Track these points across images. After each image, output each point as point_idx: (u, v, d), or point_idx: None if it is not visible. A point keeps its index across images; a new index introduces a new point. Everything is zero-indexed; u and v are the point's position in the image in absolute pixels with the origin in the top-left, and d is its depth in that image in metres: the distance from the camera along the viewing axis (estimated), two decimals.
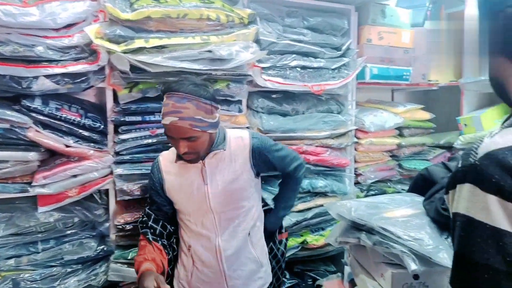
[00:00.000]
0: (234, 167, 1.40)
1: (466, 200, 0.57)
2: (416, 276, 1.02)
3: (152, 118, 1.73)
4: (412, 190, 1.51)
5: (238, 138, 1.44)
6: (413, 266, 0.95)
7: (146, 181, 1.65)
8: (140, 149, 1.73)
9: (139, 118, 1.71)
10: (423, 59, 2.51)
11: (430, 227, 1.05)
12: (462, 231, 0.57)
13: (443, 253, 0.94)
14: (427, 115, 2.54)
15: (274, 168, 1.52)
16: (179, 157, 1.37)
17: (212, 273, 1.40)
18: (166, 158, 1.46)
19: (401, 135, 2.48)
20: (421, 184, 1.43)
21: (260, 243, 1.51)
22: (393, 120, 2.35)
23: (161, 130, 1.74)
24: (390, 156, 2.47)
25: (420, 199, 1.31)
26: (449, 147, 2.65)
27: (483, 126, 2.31)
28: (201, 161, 1.36)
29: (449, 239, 1.02)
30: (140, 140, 1.73)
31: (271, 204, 1.77)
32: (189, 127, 1.24)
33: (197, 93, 1.26)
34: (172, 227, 1.50)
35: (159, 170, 1.44)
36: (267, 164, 1.47)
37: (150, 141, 1.73)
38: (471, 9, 2.36)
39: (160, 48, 1.65)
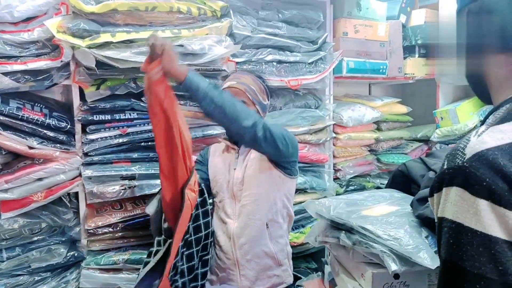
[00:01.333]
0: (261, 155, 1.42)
1: (454, 205, 0.53)
2: (396, 276, 0.99)
3: (122, 116, 1.65)
4: (390, 186, 1.49)
5: None
6: (393, 266, 0.92)
7: (117, 182, 1.58)
8: (110, 149, 1.65)
9: (108, 117, 1.63)
10: (398, 52, 2.50)
11: (410, 225, 1.02)
12: (450, 238, 0.54)
13: (424, 252, 0.91)
14: (404, 109, 2.55)
15: None
16: (226, 135, 1.54)
17: (227, 259, 1.44)
18: (217, 146, 1.59)
19: (379, 129, 2.48)
20: (400, 180, 1.41)
21: (281, 241, 1.48)
22: (371, 114, 2.34)
23: (133, 129, 1.66)
24: (369, 150, 2.46)
25: (399, 194, 1.29)
26: (426, 140, 2.67)
27: (459, 119, 2.34)
28: (237, 147, 1.46)
29: (429, 238, 1.00)
30: (110, 140, 1.64)
31: None
32: (244, 90, 1.39)
33: (256, 76, 1.51)
34: None
35: (208, 152, 1.58)
36: None
37: (120, 140, 1.65)
38: (446, 1, 2.36)
39: (128, 43, 1.57)
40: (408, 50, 2.60)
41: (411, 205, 1.15)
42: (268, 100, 1.52)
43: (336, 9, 2.25)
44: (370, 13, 2.34)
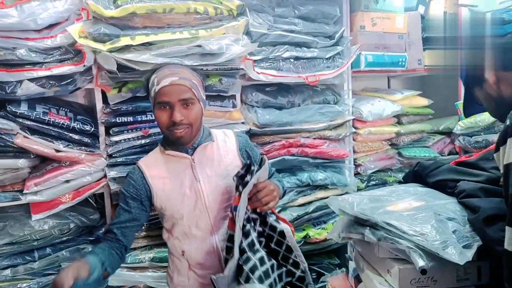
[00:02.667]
0: (226, 162, 1.33)
1: None
2: (424, 271, 0.98)
3: (144, 117, 1.68)
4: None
5: (222, 134, 1.40)
6: (420, 262, 0.91)
7: None
8: (133, 150, 1.68)
9: (130, 119, 1.66)
10: (418, 44, 2.45)
11: (436, 220, 1.01)
12: None
13: (451, 248, 0.90)
14: (425, 101, 2.50)
15: None
16: (166, 147, 1.29)
17: (214, 274, 1.27)
18: (147, 162, 1.31)
19: (399, 123, 2.44)
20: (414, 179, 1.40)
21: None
22: (391, 108, 2.31)
23: (154, 130, 1.69)
24: (389, 144, 2.43)
25: (423, 189, 1.27)
26: (448, 133, 2.62)
27: None
28: (190, 156, 1.27)
29: (457, 233, 0.98)
30: (133, 141, 1.68)
31: None
32: (189, 86, 1.21)
33: (189, 67, 1.36)
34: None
35: (143, 177, 1.27)
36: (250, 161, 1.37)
37: (143, 141, 1.68)
38: None
39: (147, 45, 1.59)
40: (428, 42, 2.54)
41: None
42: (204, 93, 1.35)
43: (353, 3, 2.22)
44: (387, 5, 2.30)
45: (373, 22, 2.26)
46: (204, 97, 1.32)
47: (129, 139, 1.66)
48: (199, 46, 1.62)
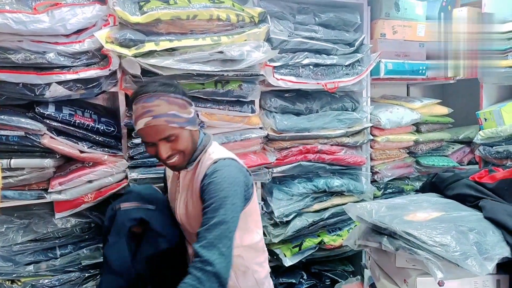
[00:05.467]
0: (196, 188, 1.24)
1: None
2: (441, 283, 0.98)
3: None
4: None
5: (210, 156, 1.27)
6: (439, 274, 0.91)
7: (160, 184, 1.64)
8: None
9: None
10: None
11: (456, 231, 1.00)
12: None
13: (472, 259, 0.89)
14: (445, 110, 2.47)
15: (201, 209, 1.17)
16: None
17: None
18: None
19: (418, 131, 2.42)
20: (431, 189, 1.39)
21: (248, 276, 1.30)
22: (410, 116, 2.29)
23: None
24: (407, 152, 2.41)
25: (444, 199, 1.26)
26: (468, 142, 2.58)
27: (504, 120, 2.24)
28: (177, 172, 1.31)
29: (478, 245, 0.97)
30: None
31: (277, 212, 1.79)
32: (165, 123, 1.15)
33: (165, 90, 1.18)
34: None
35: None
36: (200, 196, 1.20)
37: None
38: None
39: (170, 51, 1.63)
40: None
41: None
42: (191, 106, 1.27)
43: (373, 11, 2.23)
44: (408, 13, 2.30)
45: (394, 30, 2.25)
46: (191, 115, 1.24)
47: None
48: (221, 52, 1.65)
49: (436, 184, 1.36)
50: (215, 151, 1.29)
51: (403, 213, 1.14)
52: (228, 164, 1.21)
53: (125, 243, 1.34)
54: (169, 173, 1.50)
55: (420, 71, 2.32)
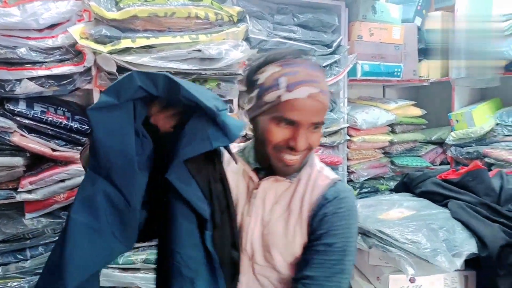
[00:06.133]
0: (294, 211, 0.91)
1: None
2: (412, 280, 1.00)
3: None
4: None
5: (322, 173, 0.94)
6: (410, 271, 0.93)
7: None
8: None
9: None
10: (413, 55, 2.50)
11: (427, 229, 1.03)
12: None
13: (441, 256, 0.92)
14: (418, 111, 2.54)
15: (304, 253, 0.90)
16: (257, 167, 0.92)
17: None
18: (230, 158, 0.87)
19: (393, 131, 2.48)
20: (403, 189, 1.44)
21: None
22: (385, 117, 2.34)
23: None
24: (383, 153, 2.46)
25: (415, 198, 1.30)
26: (440, 143, 2.66)
27: (474, 121, 2.32)
28: (258, 178, 0.93)
29: (447, 242, 1.01)
30: None
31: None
32: (327, 105, 0.85)
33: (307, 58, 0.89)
34: None
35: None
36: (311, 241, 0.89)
37: None
38: (462, 4, 2.35)
39: (147, 48, 1.61)
40: (424, 53, 2.59)
41: None
42: None
43: (351, 13, 2.26)
44: (385, 16, 2.35)
45: (370, 32, 2.29)
46: None
47: None
48: (199, 50, 1.64)
49: (407, 184, 1.40)
50: (323, 166, 0.99)
51: (376, 212, 1.17)
52: (350, 193, 0.93)
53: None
54: (231, 171, 0.93)
55: (395, 73, 2.38)
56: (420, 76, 2.56)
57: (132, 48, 1.56)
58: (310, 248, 0.86)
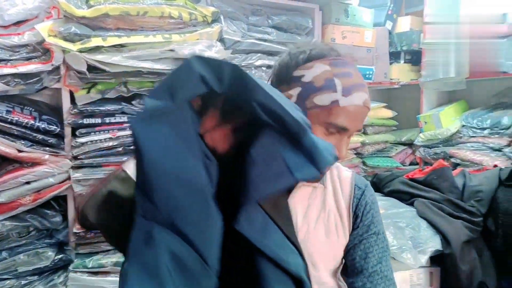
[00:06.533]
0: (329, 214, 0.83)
1: None
2: None
3: (112, 120, 1.66)
4: None
5: (340, 168, 0.90)
6: None
7: None
8: (100, 153, 1.65)
9: (98, 120, 1.63)
10: (384, 58, 2.57)
11: (394, 227, 1.06)
12: None
13: (407, 253, 0.95)
14: (389, 113, 2.60)
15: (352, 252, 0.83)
16: None
17: None
18: None
19: (365, 133, 2.53)
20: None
21: None
22: None
23: (123, 133, 1.67)
24: (355, 153, 2.51)
25: (381, 197, 1.33)
26: (410, 144, 2.74)
27: (442, 123, 2.40)
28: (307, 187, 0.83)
29: (413, 239, 1.04)
30: (100, 143, 1.64)
31: None
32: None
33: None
34: None
35: None
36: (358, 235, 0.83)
37: (111, 144, 1.65)
38: (430, 9, 2.43)
39: (119, 47, 1.58)
40: (394, 56, 2.66)
41: None
42: None
43: (324, 16, 2.30)
44: (357, 19, 2.40)
45: (343, 35, 2.34)
46: None
47: (96, 141, 1.63)
48: (172, 50, 1.63)
49: (376, 184, 1.44)
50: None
51: None
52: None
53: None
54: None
55: (367, 76, 2.43)
56: (391, 79, 2.63)
57: (103, 46, 1.53)
58: (361, 243, 0.81)
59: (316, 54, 0.76)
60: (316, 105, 0.73)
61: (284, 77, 0.77)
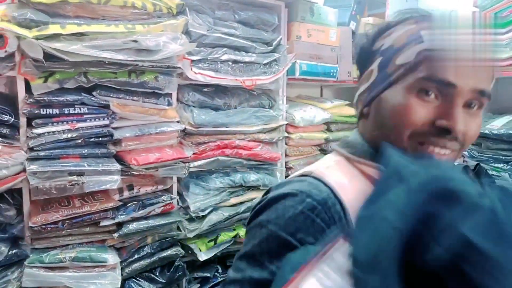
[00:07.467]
0: None
1: None
2: None
3: (71, 111, 1.61)
4: None
5: None
6: None
7: (64, 178, 1.53)
8: (58, 145, 1.60)
9: (56, 111, 1.58)
10: (348, 57, 2.63)
11: None
12: None
13: None
14: (352, 111, 2.67)
15: None
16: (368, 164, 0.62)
17: None
18: (337, 174, 0.61)
19: (328, 129, 2.59)
20: None
21: None
22: (321, 116, 2.44)
23: (83, 124, 1.62)
24: (319, 150, 2.56)
25: None
26: None
27: None
28: None
29: None
30: (58, 135, 1.59)
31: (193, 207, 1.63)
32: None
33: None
34: None
35: (336, 200, 0.57)
36: None
37: (69, 135, 1.60)
38: (391, 11, 2.52)
39: (79, 36, 1.53)
40: None
41: None
42: None
43: (291, 13, 2.33)
44: (322, 18, 2.45)
45: (308, 33, 2.38)
46: None
47: (53, 132, 1.58)
48: (135, 41, 1.59)
49: None
50: None
51: None
52: None
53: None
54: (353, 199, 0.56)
55: (331, 74, 2.49)
56: (354, 78, 2.70)
57: (61, 34, 1.48)
58: None
59: (396, 20, 0.63)
60: (400, 65, 0.57)
61: (363, 56, 0.65)
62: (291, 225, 0.53)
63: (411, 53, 0.56)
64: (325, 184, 0.57)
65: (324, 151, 2.59)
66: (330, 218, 0.54)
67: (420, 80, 0.54)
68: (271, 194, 0.60)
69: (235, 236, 2.09)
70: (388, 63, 0.59)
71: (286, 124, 2.35)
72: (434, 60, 0.53)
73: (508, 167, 1.86)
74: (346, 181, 0.59)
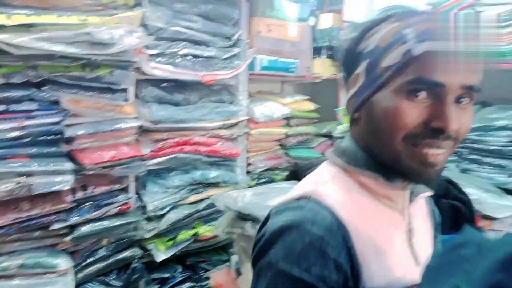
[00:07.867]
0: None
1: None
2: None
3: (19, 107, 1.51)
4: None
5: None
6: None
7: (11, 179, 1.45)
8: (4, 144, 1.50)
9: (2, 108, 1.48)
10: (308, 52, 2.67)
11: None
12: None
13: None
14: (311, 106, 2.73)
15: None
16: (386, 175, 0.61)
17: None
18: (336, 191, 0.62)
19: (288, 125, 2.62)
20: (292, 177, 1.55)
21: None
22: (281, 111, 2.47)
23: (31, 122, 1.53)
24: (279, 145, 2.60)
25: None
26: (330, 136, 2.90)
27: None
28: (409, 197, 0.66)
29: None
30: (5, 133, 1.50)
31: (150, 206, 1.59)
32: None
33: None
34: None
35: (339, 223, 0.57)
36: None
37: (17, 133, 1.51)
38: (349, 7, 2.58)
39: (27, 27, 1.44)
40: (317, 51, 2.78)
41: None
42: None
43: (251, 8, 2.32)
44: (282, 13, 2.46)
45: (269, 28, 2.38)
46: None
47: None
48: (88, 33, 1.52)
49: (296, 172, 1.52)
50: None
51: (266, 199, 1.24)
52: None
53: None
54: (355, 213, 0.59)
55: (290, 69, 2.52)
56: (314, 73, 2.74)
57: (7, 25, 1.38)
58: None
59: (380, 18, 0.60)
60: (386, 68, 0.56)
61: (349, 59, 0.63)
62: (303, 262, 0.53)
63: (396, 54, 0.55)
64: (326, 206, 0.58)
65: (284, 146, 2.63)
66: (338, 244, 0.55)
67: (408, 82, 0.54)
68: (272, 226, 0.59)
69: (194, 234, 2.08)
70: (375, 65, 0.57)
71: (247, 120, 2.36)
72: (420, 61, 0.53)
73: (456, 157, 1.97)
74: (346, 198, 0.60)
